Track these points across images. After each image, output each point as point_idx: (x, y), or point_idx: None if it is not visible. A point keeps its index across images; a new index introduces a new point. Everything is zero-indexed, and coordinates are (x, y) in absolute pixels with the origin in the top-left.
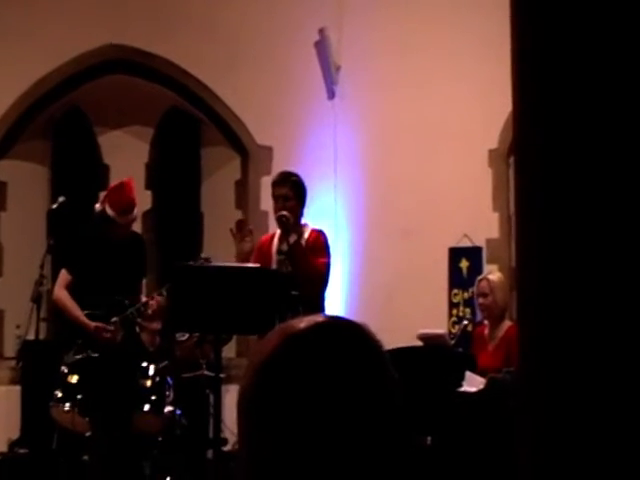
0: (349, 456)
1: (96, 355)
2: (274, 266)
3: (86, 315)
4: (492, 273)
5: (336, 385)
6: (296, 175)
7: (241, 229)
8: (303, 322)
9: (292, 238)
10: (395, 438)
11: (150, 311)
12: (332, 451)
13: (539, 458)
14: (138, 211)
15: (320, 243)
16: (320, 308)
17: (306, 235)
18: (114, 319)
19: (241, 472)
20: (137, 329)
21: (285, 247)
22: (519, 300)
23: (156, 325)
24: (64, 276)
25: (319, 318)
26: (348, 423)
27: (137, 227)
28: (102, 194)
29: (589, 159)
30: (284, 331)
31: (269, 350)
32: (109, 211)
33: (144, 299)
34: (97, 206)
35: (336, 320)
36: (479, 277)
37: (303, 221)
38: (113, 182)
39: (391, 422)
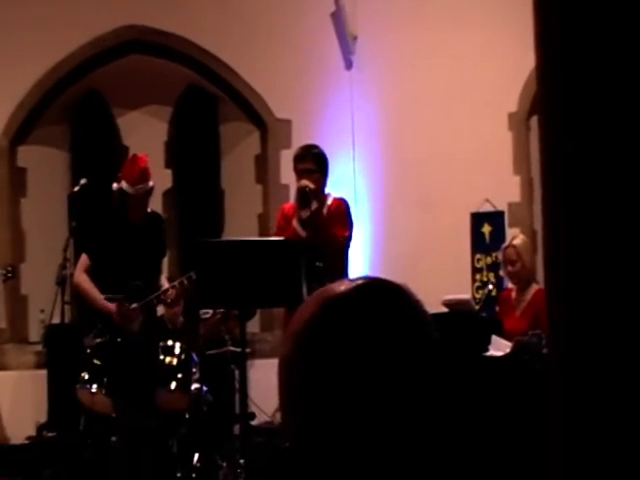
0: (392, 419)
1: (116, 339)
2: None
3: (105, 299)
4: (516, 238)
5: (378, 347)
6: (317, 147)
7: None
8: (342, 285)
9: (314, 205)
10: (436, 399)
11: (169, 300)
12: (375, 414)
13: (570, 424)
14: (158, 190)
15: (341, 211)
16: (343, 275)
17: (328, 203)
18: (134, 305)
19: (286, 441)
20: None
21: (306, 213)
22: (547, 264)
23: (174, 311)
24: (84, 260)
25: (358, 280)
26: (391, 385)
27: (158, 206)
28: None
29: (617, 117)
30: (323, 295)
31: (308, 316)
32: (124, 185)
33: (166, 285)
34: (114, 185)
35: (376, 281)
36: (504, 245)
37: (326, 191)
38: None
39: (433, 382)
